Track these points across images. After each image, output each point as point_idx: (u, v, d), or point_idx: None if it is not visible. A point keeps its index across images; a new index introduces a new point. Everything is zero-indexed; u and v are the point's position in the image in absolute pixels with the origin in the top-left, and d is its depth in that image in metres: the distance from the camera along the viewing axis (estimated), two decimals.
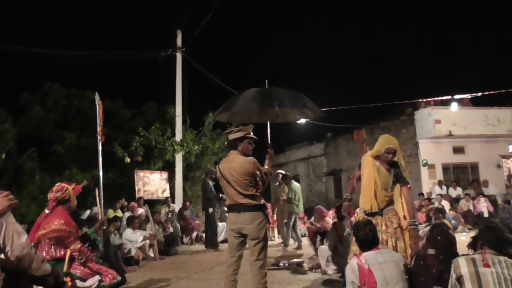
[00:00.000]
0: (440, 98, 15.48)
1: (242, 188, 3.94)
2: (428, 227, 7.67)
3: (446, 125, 15.15)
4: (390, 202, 4.15)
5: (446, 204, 12.15)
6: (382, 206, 4.09)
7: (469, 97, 15.56)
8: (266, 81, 5.58)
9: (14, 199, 2.07)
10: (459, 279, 2.79)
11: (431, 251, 3.31)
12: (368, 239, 3.30)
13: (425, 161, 15.68)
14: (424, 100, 16.03)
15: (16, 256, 2.25)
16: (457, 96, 15.19)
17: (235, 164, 4.00)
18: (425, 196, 13.06)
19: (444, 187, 14.45)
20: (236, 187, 3.95)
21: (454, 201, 13.14)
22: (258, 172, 4.01)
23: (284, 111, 5.63)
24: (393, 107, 17.54)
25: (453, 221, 10.59)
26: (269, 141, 5.05)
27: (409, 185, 4.16)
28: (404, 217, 4.06)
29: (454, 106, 15.19)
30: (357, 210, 4.31)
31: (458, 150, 16.15)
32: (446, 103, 15.67)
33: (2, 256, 2.28)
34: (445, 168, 16.02)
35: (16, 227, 2.26)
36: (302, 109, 5.65)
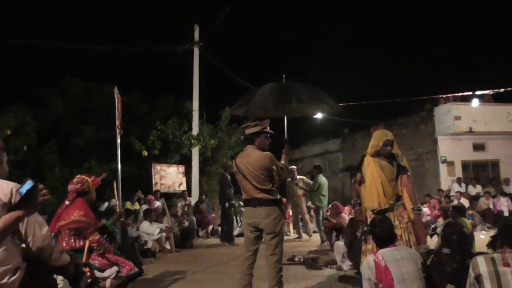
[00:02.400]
0: (460, 94, 15.18)
1: (258, 183, 3.95)
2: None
3: (467, 121, 14.86)
4: (398, 197, 4.14)
5: (465, 202, 11.94)
6: (392, 202, 4.08)
7: (491, 93, 15.19)
8: (284, 75, 5.56)
9: (47, 194, 2.04)
10: (478, 278, 2.75)
11: (445, 250, 3.27)
12: (385, 236, 3.27)
13: (444, 158, 15.43)
14: (444, 96, 15.75)
15: (37, 247, 2.30)
16: (478, 92, 14.87)
17: (251, 158, 4.01)
18: (444, 194, 12.87)
19: (463, 185, 14.20)
20: (253, 181, 3.96)
21: (474, 199, 12.92)
22: (274, 167, 4.01)
23: (302, 106, 5.60)
24: (412, 103, 17.29)
25: (471, 220, 10.41)
26: (285, 136, 5.04)
27: (408, 173, 4.18)
28: (404, 205, 4.10)
29: (475, 102, 14.87)
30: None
31: (478, 147, 15.83)
32: (466, 99, 15.37)
33: (24, 246, 2.34)
34: (465, 165, 15.73)
35: (38, 218, 2.31)
36: (319, 104, 5.61)
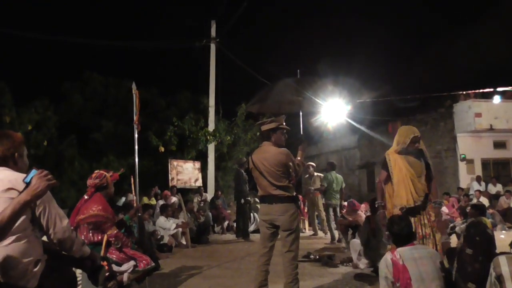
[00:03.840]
0: (481, 90, 14.86)
1: (274, 179, 3.93)
2: (465, 224, 7.43)
3: (487, 118, 14.57)
4: (427, 194, 4.09)
5: (485, 201, 11.71)
6: (422, 198, 4.02)
7: None
8: (298, 71, 5.56)
9: (53, 179, 2.09)
10: (499, 278, 2.71)
11: (469, 251, 3.20)
12: (403, 234, 3.23)
13: (463, 156, 15.16)
14: (464, 92, 15.45)
15: (58, 239, 2.34)
16: (500, 89, 14.53)
17: (268, 155, 3.99)
18: (463, 192, 12.65)
19: (483, 183, 13.93)
20: (269, 178, 3.94)
21: (494, 198, 12.65)
22: (291, 164, 3.99)
23: (317, 101, 5.58)
24: (431, 99, 17.01)
25: (491, 220, 10.21)
26: (301, 133, 5.02)
27: (431, 168, 4.19)
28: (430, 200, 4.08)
29: (496, 99, 14.56)
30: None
31: (499, 144, 15.50)
32: (487, 96, 15.04)
33: (45, 238, 2.38)
34: (485, 164, 15.43)
35: (59, 211, 2.35)
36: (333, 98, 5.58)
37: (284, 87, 5.20)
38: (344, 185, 9.13)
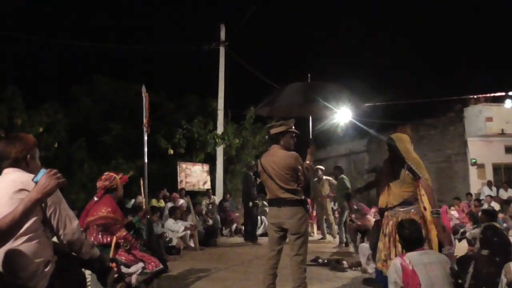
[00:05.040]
0: (492, 94, 14.72)
1: (283, 183, 3.93)
2: (476, 230, 7.35)
3: (499, 123, 14.42)
4: (406, 201, 4.05)
5: (496, 206, 11.57)
6: (395, 203, 4.04)
7: None
8: (309, 75, 5.52)
9: (62, 177, 2.10)
10: (510, 284, 2.67)
11: (485, 252, 3.18)
12: (413, 238, 3.20)
13: (474, 160, 15.00)
14: (475, 96, 15.31)
15: (67, 240, 2.36)
16: (511, 93, 14.38)
17: (277, 158, 3.99)
18: (473, 197, 12.51)
19: (494, 188, 13.77)
20: (278, 181, 3.94)
21: (505, 203, 12.50)
22: (299, 167, 3.98)
23: (327, 106, 5.56)
24: (440, 103, 16.87)
25: (504, 224, 10.08)
26: (311, 136, 5.01)
27: (423, 177, 4.08)
28: (424, 208, 4.02)
29: (508, 103, 14.39)
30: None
31: (510, 149, 15.32)
32: (498, 100, 14.89)
33: (55, 239, 2.40)
34: (496, 168, 15.26)
35: (69, 212, 2.37)
36: (343, 102, 5.54)
37: (294, 90, 5.17)
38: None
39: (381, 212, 4.15)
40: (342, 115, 11.23)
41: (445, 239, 3.70)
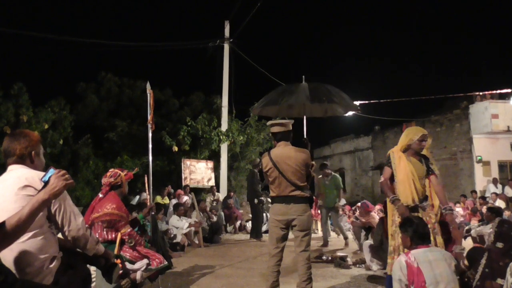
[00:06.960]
0: (498, 91, 14.61)
1: (298, 179, 3.91)
2: (481, 227, 7.32)
3: (505, 120, 14.32)
4: (426, 197, 4.08)
5: (501, 204, 11.51)
6: (422, 199, 4.03)
7: None
8: (303, 76, 5.63)
9: (70, 178, 2.10)
10: None
11: (499, 245, 3.18)
12: (419, 233, 3.19)
13: (479, 158, 14.92)
14: (481, 93, 15.20)
15: (72, 236, 2.37)
16: None
17: (291, 154, 3.94)
18: (478, 195, 12.45)
19: (500, 186, 13.69)
20: (292, 178, 3.89)
21: (510, 201, 12.42)
22: (310, 163, 4.00)
23: (333, 106, 5.63)
24: (446, 100, 16.78)
25: None
26: (305, 136, 5.07)
27: (436, 173, 4.13)
28: (432, 206, 4.04)
29: None
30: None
31: None
32: (504, 97, 14.78)
33: (60, 235, 2.41)
34: (502, 166, 15.17)
35: (73, 209, 2.38)
36: (347, 104, 5.57)
37: (298, 91, 5.21)
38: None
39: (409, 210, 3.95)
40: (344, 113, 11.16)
41: (459, 236, 3.69)
